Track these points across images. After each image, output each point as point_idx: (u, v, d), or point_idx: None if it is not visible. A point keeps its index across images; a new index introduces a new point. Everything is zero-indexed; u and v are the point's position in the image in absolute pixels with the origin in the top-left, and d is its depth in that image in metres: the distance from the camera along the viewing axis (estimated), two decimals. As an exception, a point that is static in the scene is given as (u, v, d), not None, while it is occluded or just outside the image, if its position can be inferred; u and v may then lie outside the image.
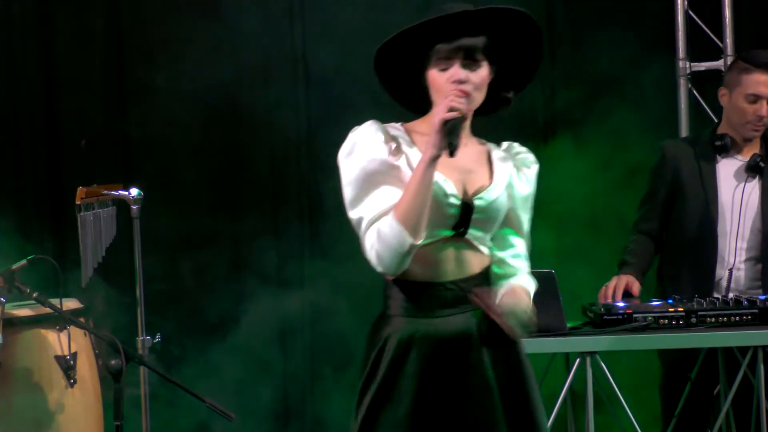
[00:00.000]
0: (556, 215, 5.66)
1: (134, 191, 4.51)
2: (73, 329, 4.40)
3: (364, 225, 3.05)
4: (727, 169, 4.81)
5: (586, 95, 5.73)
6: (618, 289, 4.69)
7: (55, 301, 4.30)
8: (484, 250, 3.18)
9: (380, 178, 3.05)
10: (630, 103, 5.72)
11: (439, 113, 2.99)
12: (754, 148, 4.82)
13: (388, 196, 3.04)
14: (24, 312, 4.40)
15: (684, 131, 5.71)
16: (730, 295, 4.63)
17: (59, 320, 4.37)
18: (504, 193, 3.17)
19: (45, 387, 4.35)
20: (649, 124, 5.72)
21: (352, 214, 3.08)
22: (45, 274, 4.46)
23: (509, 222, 3.22)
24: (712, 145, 4.82)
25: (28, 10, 5.69)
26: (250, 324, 5.73)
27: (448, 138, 2.99)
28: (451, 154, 2.98)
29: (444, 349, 3.09)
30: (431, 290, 3.11)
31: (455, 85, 3.05)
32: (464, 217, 3.10)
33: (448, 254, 3.11)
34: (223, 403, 3.88)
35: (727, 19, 5.68)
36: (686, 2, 5.70)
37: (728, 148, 4.80)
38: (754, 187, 4.79)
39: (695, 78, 5.75)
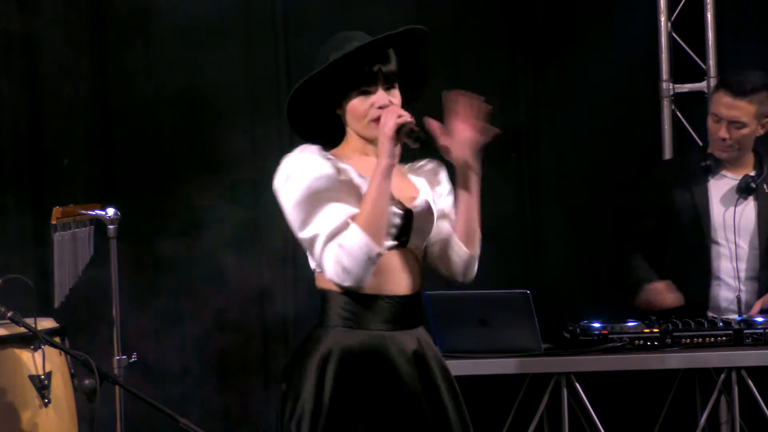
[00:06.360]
0: (540, 236, 5.67)
1: (111, 211, 4.51)
2: (47, 348, 4.39)
3: (320, 242, 3.08)
4: (719, 189, 4.79)
5: (568, 116, 5.73)
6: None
7: (30, 321, 4.29)
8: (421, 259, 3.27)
9: (328, 195, 3.09)
10: (613, 124, 5.71)
11: (387, 123, 3.07)
12: (746, 167, 4.78)
13: (338, 211, 3.09)
14: (-2, 331, 4.40)
15: (668, 153, 5.69)
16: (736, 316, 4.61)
17: (34, 339, 4.36)
18: (431, 201, 3.26)
19: (19, 407, 4.33)
20: (633, 146, 5.72)
21: (304, 233, 3.11)
22: (20, 294, 4.46)
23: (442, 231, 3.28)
24: (700, 165, 4.80)
25: (12, 30, 5.69)
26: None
27: (410, 137, 3.08)
28: (423, 144, 3.07)
29: (389, 363, 3.13)
30: (378, 303, 3.15)
31: (379, 111, 3.14)
32: (406, 225, 3.17)
33: (394, 265, 3.16)
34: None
35: (710, 41, 5.67)
36: (669, 23, 5.70)
37: (715, 168, 4.77)
38: (747, 206, 4.76)
39: (678, 99, 5.74)
